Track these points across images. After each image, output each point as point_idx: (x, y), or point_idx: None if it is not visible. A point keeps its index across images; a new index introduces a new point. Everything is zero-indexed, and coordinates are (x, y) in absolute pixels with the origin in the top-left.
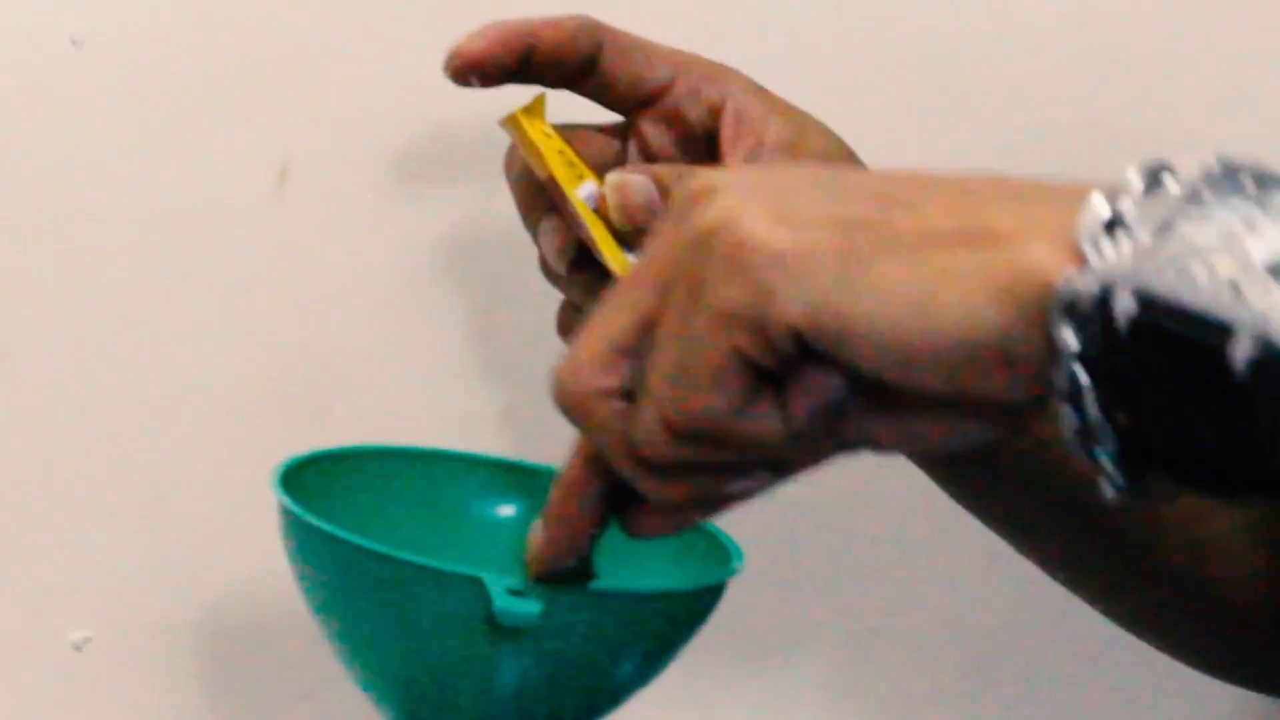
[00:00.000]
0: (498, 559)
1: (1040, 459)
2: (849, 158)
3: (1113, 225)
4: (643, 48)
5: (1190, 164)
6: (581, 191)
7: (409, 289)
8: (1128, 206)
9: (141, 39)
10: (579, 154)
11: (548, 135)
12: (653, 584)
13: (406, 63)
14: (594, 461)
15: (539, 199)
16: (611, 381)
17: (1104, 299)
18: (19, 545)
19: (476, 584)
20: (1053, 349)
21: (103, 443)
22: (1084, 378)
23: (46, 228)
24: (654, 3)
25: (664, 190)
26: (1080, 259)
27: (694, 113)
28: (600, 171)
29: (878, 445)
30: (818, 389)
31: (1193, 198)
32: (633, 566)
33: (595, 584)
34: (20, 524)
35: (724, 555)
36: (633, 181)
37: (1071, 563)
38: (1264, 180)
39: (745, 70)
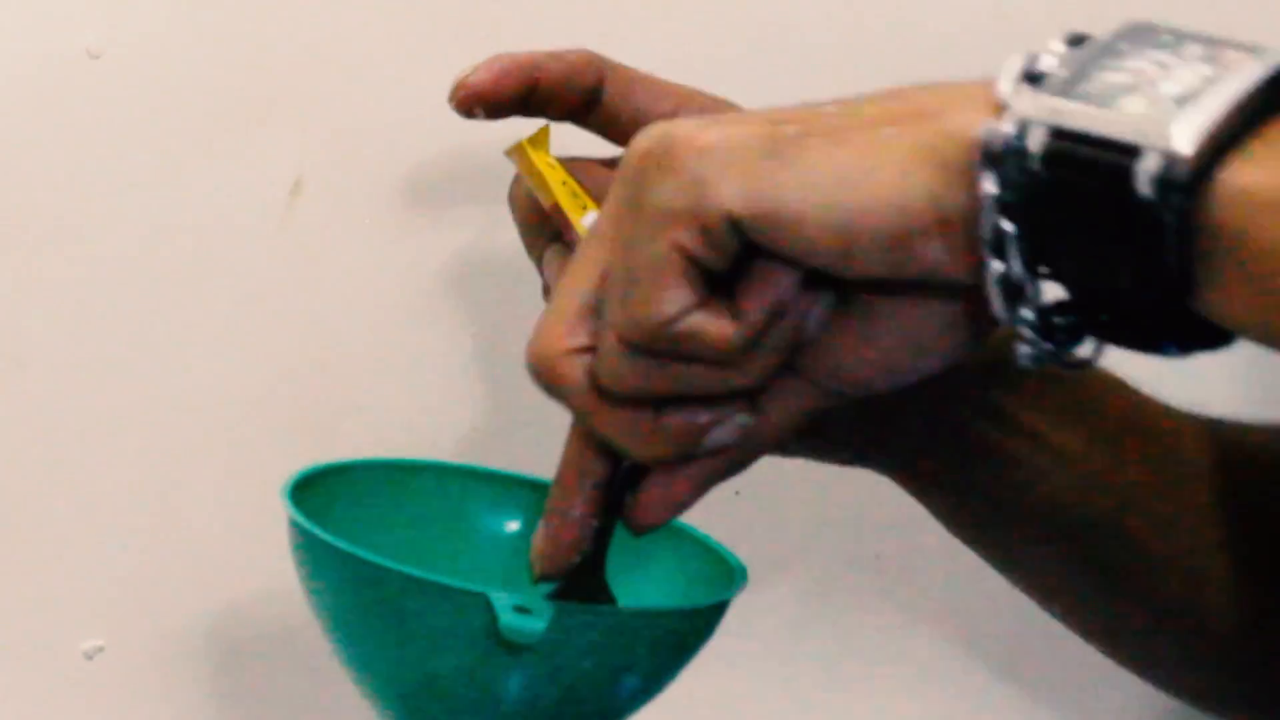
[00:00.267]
0: (505, 574)
1: (1037, 491)
2: None
3: (1035, 79)
4: (645, 82)
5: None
6: (586, 221)
7: (419, 304)
8: (1048, 62)
9: (158, 52)
10: (582, 186)
11: (552, 166)
12: (658, 601)
13: (419, 77)
14: (586, 448)
15: (543, 229)
16: (579, 340)
17: (1020, 138)
18: (31, 554)
19: (482, 600)
20: (978, 200)
21: (115, 453)
22: (1008, 226)
23: (61, 238)
24: (656, 37)
25: None
26: (1001, 112)
27: None
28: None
29: (841, 377)
30: (765, 284)
31: (1109, 49)
32: (637, 584)
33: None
34: (32, 533)
35: (728, 572)
36: None
37: (1069, 597)
38: (1180, 35)
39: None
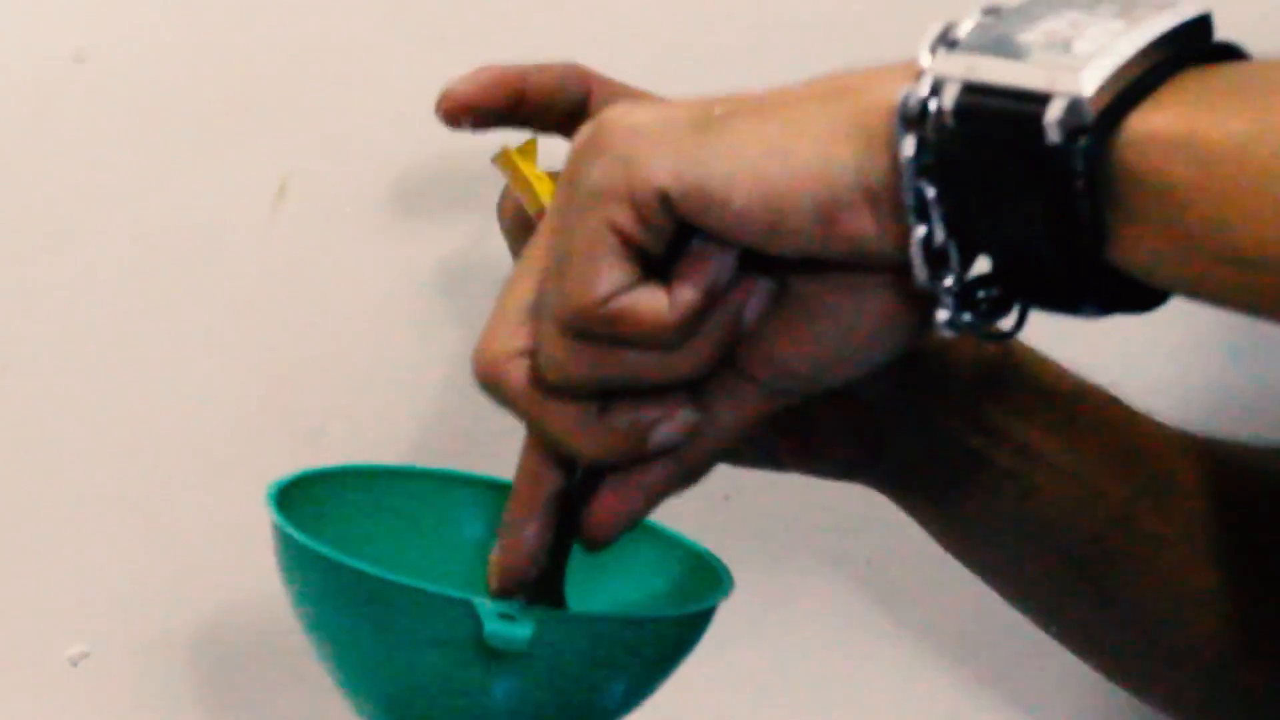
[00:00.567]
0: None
1: (1028, 506)
2: None
3: (952, 45)
4: (629, 94)
5: None
6: None
7: (406, 308)
8: (965, 28)
9: (144, 56)
10: None
11: (540, 178)
12: (643, 608)
13: (406, 81)
14: (539, 459)
15: (529, 236)
16: (520, 342)
17: (935, 96)
18: (16, 560)
19: (467, 606)
20: (899, 166)
21: (99, 458)
22: (929, 190)
23: (46, 242)
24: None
25: None
26: (919, 76)
27: None
28: None
29: (783, 371)
30: (699, 264)
31: (1025, 13)
32: (622, 591)
33: (587, 609)
34: (17, 539)
35: (713, 579)
36: None
37: (1060, 613)
38: None
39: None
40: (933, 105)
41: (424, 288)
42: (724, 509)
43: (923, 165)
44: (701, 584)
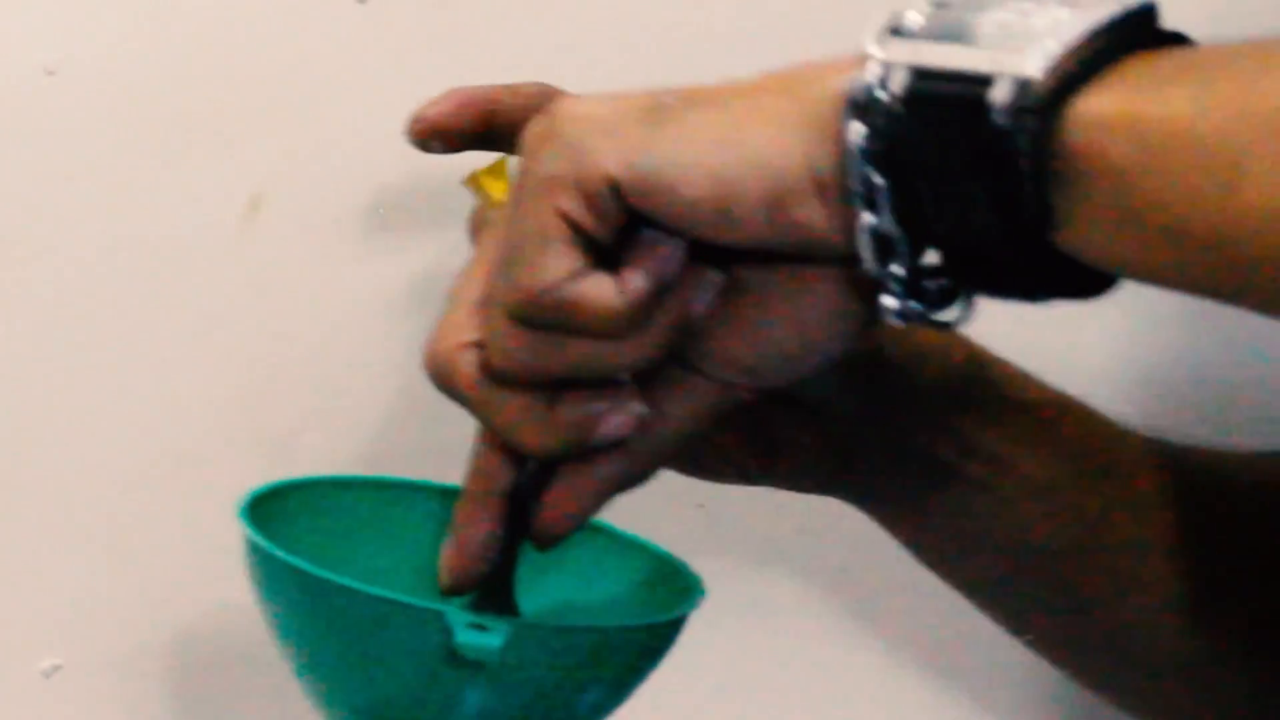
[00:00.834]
0: None
1: (1001, 518)
2: None
3: (900, 33)
4: None
5: None
6: None
7: (377, 322)
8: (912, 18)
9: (115, 69)
10: None
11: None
12: (615, 618)
13: (379, 97)
14: (490, 455)
15: None
16: (471, 334)
17: (883, 83)
18: None
19: (438, 617)
20: (847, 153)
21: (71, 470)
22: (877, 178)
23: (16, 254)
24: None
25: None
26: (867, 63)
27: None
28: None
29: (733, 366)
30: (649, 253)
31: (973, 2)
32: (594, 600)
33: (559, 620)
34: None
35: (685, 588)
36: None
37: (1034, 624)
38: None
39: None
40: (881, 93)
41: (395, 301)
42: (697, 517)
43: (871, 152)
44: (673, 593)
